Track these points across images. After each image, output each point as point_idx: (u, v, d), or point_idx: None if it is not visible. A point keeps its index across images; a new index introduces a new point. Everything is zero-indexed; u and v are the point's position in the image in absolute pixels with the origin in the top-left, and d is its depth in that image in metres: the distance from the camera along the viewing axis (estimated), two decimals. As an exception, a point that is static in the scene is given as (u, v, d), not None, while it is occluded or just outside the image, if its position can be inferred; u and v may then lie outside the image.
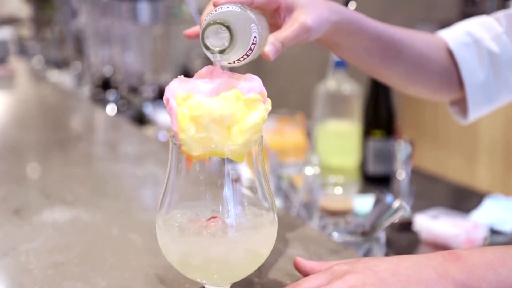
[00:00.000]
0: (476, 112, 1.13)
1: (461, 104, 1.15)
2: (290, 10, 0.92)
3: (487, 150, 2.81)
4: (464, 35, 1.10)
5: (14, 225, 1.09)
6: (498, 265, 0.73)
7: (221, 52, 0.78)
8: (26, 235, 1.04)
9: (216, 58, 0.78)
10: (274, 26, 0.94)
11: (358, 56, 1.05)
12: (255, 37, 0.81)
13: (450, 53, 1.11)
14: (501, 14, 1.11)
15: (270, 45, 0.87)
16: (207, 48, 0.78)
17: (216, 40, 0.78)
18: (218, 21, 0.77)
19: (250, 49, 0.81)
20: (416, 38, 1.08)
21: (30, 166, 1.53)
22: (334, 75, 1.88)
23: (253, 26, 0.81)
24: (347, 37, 1.00)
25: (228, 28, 0.77)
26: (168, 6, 2.61)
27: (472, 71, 1.09)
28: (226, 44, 0.77)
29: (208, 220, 0.75)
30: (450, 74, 1.11)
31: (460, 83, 1.11)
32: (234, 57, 0.81)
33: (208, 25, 0.77)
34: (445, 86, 1.12)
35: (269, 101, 0.77)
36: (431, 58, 1.09)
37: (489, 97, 1.11)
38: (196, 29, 0.94)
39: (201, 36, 0.78)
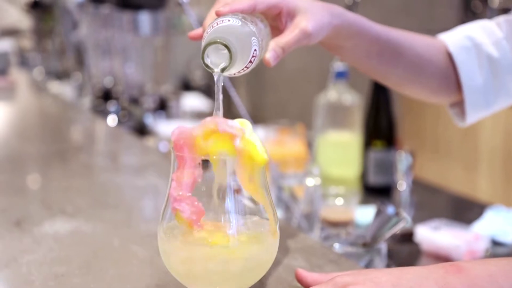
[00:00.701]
0: (474, 116, 1.13)
1: (460, 107, 1.15)
2: (291, 15, 0.93)
3: (488, 161, 2.80)
4: (464, 39, 1.11)
5: (15, 237, 1.08)
6: (501, 278, 0.73)
7: (221, 70, 0.79)
8: (27, 247, 1.03)
9: (217, 74, 0.80)
10: (276, 29, 0.95)
11: (358, 57, 1.06)
12: (255, 50, 0.83)
13: (449, 56, 1.11)
14: (501, 19, 1.11)
15: (271, 51, 0.88)
16: (208, 67, 0.79)
17: (216, 56, 0.79)
18: (218, 40, 0.78)
19: (250, 61, 0.83)
20: (416, 41, 1.09)
21: (30, 177, 1.53)
22: (335, 86, 1.88)
23: (254, 39, 0.82)
24: (348, 40, 1.01)
25: (227, 47, 0.78)
26: (169, 18, 2.61)
27: (471, 75, 1.10)
28: (226, 62, 0.79)
29: (209, 231, 0.75)
30: (449, 77, 1.12)
31: (458, 86, 1.12)
32: (234, 70, 0.82)
33: (208, 44, 0.78)
34: (444, 88, 1.13)
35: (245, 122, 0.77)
36: (430, 61, 1.10)
37: (487, 101, 1.11)
38: (199, 31, 0.94)
39: (201, 55, 0.79)
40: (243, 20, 0.83)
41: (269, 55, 0.88)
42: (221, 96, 0.80)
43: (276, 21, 0.95)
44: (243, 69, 0.83)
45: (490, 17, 3.26)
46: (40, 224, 1.13)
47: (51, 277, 0.91)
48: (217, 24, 0.81)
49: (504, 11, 3.19)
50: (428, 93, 1.15)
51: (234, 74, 0.84)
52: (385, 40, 1.05)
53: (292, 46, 0.91)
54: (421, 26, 3.82)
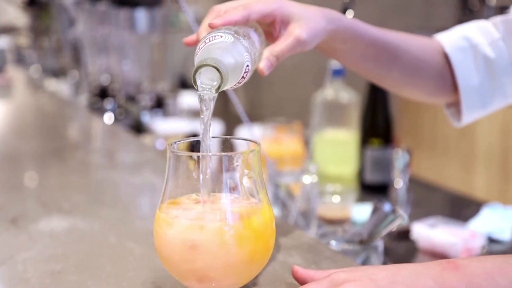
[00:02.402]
0: (470, 116, 1.13)
1: (456, 107, 1.16)
2: (285, 23, 0.93)
3: (485, 159, 2.81)
4: (461, 40, 1.11)
5: (11, 234, 1.08)
6: (497, 275, 0.73)
7: (215, 91, 0.79)
8: (23, 244, 1.03)
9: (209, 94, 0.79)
10: (270, 34, 0.95)
11: (354, 61, 1.06)
12: (247, 65, 0.83)
13: (446, 57, 1.11)
14: (498, 19, 1.11)
15: (265, 60, 0.89)
16: (198, 87, 0.79)
17: (207, 77, 0.79)
18: (209, 62, 0.77)
19: (243, 77, 0.83)
20: (412, 43, 1.09)
21: (27, 174, 1.53)
22: (332, 84, 1.88)
23: (246, 55, 0.82)
24: (343, 44, 1.01)
25: (218, 69, 0.77)
26: (166, 15, 2.61)
27: (467, 76, 1.10)
28: (217, 83, 0.78)
29: (206, 226, 0.75)
30: (445, 78, 1.12)
31: (455, 87, 1.12)
32: (226, 87, 0.82)
33: (199, 67, 0.78)
34: (440, 89, 1.13)
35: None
36: (426, 62, 1.10)
37: (483, 102, 1.11)
38: (194, 37, 0.95)
39: (192, 76, 0.79)
40: (235, 35, 0.82)
41: (263, 64, 0.88)
42: (210, 117, 0.79)
43: (270, 27, 0.95)
44: (235, 84, 0.83)
45: (487, 15, 3.26)
46: (36, 222, 1.13)
47: (47, 274, 0.91)
48: (209, 40, 0.81)
49: (501, 9, 3.19)
50: (425, 94, 1.15)
51: (227, 89, 0.84)
52: (382, 43, 1.04)
53: (286, 54, 0.91)
54: (418, 24, 3.83)
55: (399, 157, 1.56)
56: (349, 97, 1.89)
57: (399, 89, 1.15)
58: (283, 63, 1.07)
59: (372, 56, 1.05)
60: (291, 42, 0.91)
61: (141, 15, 2.43)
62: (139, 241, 1.03)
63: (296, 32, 0.92)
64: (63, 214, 1.17)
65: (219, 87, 0.78)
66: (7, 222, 1.13)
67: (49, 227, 1.11)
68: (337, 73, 1.85)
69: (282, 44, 0.91)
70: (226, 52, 0.80)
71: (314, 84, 2.77)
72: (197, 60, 0.80)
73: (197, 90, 0.79)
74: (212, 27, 0.85)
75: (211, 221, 0.74)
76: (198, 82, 0.79)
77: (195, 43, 0.94)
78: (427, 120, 3.10)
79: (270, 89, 3.98)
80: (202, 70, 0.78)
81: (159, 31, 2.50)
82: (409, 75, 1.10)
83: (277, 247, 0.98)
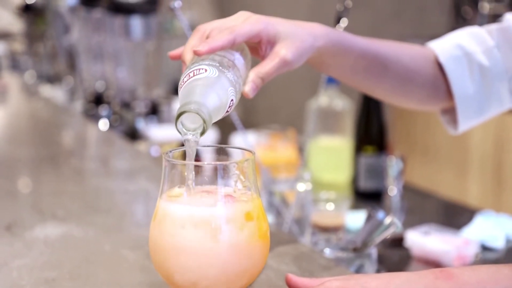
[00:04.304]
0: (466, 124, 1.13)
1: (451, 114, 1.16)
2: (272, 43, 0.92)
3: (478, 166, 2.81)
4: (455, 48, 1.11)
5: (6, 241, 1.08)
6: (490, 284, 0.73)
7: (200, 135, 0.78)
8: (18, 251, 1.03)
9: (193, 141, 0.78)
10: (256, 51, 0.94)
11: (344, 73, 1.06)
12: (232, 100, 0.82)
13: (438, 65, 1.11)
14: (493, 27, 1.11)
15: (250, 83, 0.88)
16: (181, 132, 0.78)
17: (190, 121, 0.77)
18: (191, 109, 0.76)
19: (227, 111, 0.82)
20: (403, 53, 1.09)
21: (21, 181, 1.53)
22: (326, 91, 1.89)
23: (231, 89, 0.81)
24: (332, 58, 1.00)
25: (201, 116, 0.76)
26: (161, 22, 2.61)
27: (463, 85, 1.10)
28: (201, 128, 0.77)
29: (199, 234, 0.75)
30: (438, 86, 1.12)
31: (448, 94, 1.12)
32: (211, 125, 0.81)
33: (181, 113, 0.76)
34: (432, 97, 1.13)
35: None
36: (418, 72, 1.10)
37: (479, 109, 1.12)
38: (180, 50, 0.94)
39: (175, 121, 0.77)
40: (220, 68, 0.81)
41: (248, 88, 0.88)
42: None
43: (256, 45, 0.94)
44: (219, 119, 0.83)
45: (480, 22, 3.27)
46: (31, 229, 1.13)
47: (41, 281, 0.91)
48: (194, 74, 0.80)
49: (494, 17, 3.21)
50: (416, 103, 1.15)
51: None
52: (371, 56, 1.04)
53: (272, 75, 0.91)
54: (412, 32, 3.84)
55: (393, 165, 1.57)
56: (343, 104, 1.89)
57: (390, 98, 1.15)
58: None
59: (362, 69, 1.05)
60: (277, 63, 0.91)
61: (136, 22, 2.43)
62: (134, 248, 1.03)
63: (282, 52, 0.91)
64: (58, 221, 1.17)
65: (202, 132, 0.77)
66: (2, 229, 1.13)
67: (44, 234, 1.11)
68: (331, 80, 1.86)
69: (267, 66, 0.90)
70: (210, 90, 0.78)
71: (308, 91, 2.78)
72: (181, 98, 0.79)
73: (180, 134, 0.78)
74: (197, 54, 0.84)
75: (204, 241, 0.75)
76: (179, 127, 0.77)
77: (180, 57, 0.93)
78: (421, 128, 3.10)
79: (265, 96, 3.98)
80: (185, 115, 0.77)
81: (154, 38, 2.51)
82: (400, 85, 1.10)
83: (271, 255, 0.98)
